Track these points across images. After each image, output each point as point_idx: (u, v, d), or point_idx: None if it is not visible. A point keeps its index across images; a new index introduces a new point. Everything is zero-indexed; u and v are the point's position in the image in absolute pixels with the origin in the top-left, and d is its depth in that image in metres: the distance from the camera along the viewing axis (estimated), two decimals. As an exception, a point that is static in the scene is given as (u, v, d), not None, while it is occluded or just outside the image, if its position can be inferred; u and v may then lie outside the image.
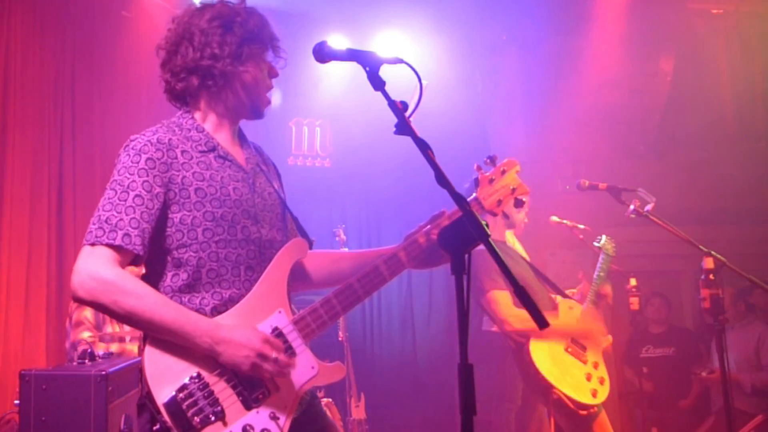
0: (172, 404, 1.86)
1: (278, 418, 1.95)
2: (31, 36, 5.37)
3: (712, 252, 3.48)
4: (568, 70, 6.71)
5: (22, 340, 5.08)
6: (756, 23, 6.85)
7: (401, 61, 1.87)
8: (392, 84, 1.81)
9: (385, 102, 1.78)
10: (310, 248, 2.21)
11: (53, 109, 5.50)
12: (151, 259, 2.02)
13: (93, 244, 1.89)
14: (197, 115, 2.14)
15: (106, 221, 1.90)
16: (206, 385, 1.90)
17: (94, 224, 1.92)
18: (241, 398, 1.94)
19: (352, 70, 1.92)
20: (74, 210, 5.56)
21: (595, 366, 3.69)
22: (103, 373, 3.73)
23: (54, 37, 5.53)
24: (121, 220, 1.90)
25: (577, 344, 3.69)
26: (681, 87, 6.95)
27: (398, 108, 1.78)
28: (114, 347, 4.83)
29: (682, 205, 5.96)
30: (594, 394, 3.57)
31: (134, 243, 1.91)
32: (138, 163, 1.96)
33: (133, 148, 1.99)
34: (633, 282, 4.97)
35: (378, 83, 1.82)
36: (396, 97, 1.79)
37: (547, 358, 3.49)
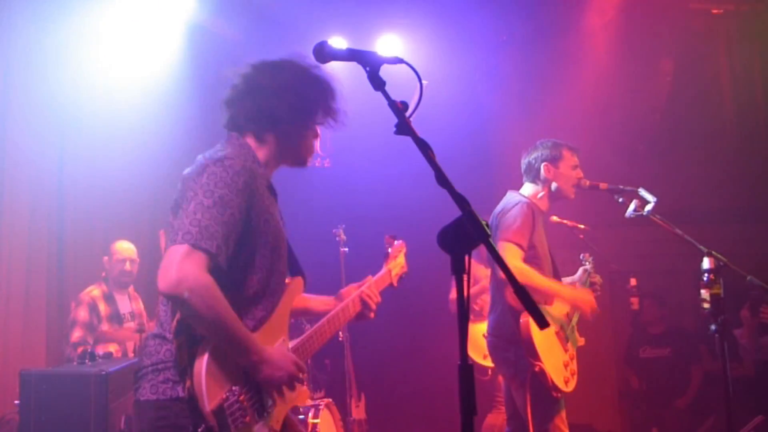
0: (219, 411, 2.04)
1: (275, 431, 2.26)
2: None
3: (713, 252, 3.48)
4: (567, 70, 6.72)
5: (22, 340, 5.07)
6: (756, 23, 6.85)
7: (401, 61, 1.87)
8: (392, 84, 1.81)
9: (386, 102, 1.78)
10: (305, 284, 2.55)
11: (54, 109, 5.49)
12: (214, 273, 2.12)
13: (194, 246, 2.02)
14: (254, 148, 2.34)
15: (205, 228, 2.05)
16: (240, 398, 2.12)
17: (193, 226, 2.05)
18: (256, 411, 2.18)
19: (353, 69, 1.92)
20: (75, 210, 5.56)
21: (572, 358, 3.85)
22: (103, 373, 3.73)
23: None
24: (216, 231, 2.06)
25: (563, 332, 3.83)
26: (681, 87, 6.95)
27: (398, 108, 1.77)
28: (112, 348, 4.84)
29: (682, 205, 5.96)
30: (566, 381, 3.71)
31: (223, 257, 2.09)
32: (236, 183, 2.14)
33: (231, 168, 2.15)
34: (633, 282, 4.97)
35: (378, 83, 1.82)
36: (396, 97, 1.79)
37: (540, 333, 3.61)
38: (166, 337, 2.17)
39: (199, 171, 2.16)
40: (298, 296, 2.52)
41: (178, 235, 2.04)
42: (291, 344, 2.42)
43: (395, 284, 2.94)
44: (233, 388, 2.10)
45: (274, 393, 2.25)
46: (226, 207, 2.09)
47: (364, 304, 2.70)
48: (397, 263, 2.97)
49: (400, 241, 3.05)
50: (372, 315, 2.73)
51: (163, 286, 2.00)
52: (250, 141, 2.34)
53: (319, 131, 2.45)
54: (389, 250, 3.00)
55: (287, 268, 2.44)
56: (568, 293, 3.84)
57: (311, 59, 2.32)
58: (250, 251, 2.21)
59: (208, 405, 2.01)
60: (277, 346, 2.29)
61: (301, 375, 2.27)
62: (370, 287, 2.76)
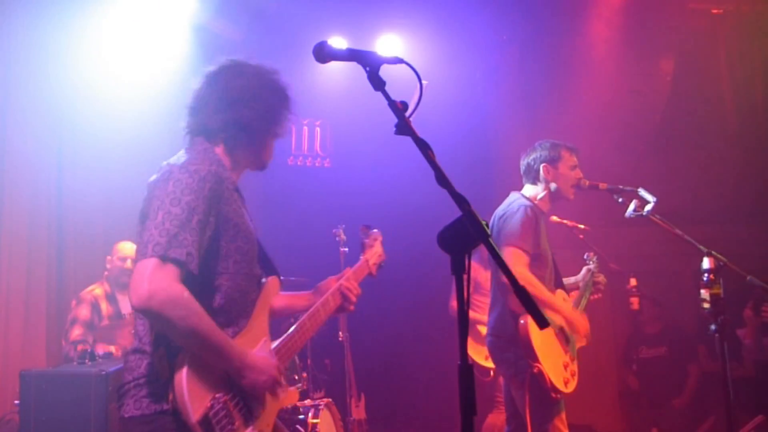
0: (204, 421, 2.03)
1: None
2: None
3: (713, 252, 3.48)
4: (568, 70, 6.72)
5: (22, 340, 5.07)
6: (756, 23, 6.85)
7: (401, 61, 1.87)
8: (392, 84, 1.81)
9: (386, 102, 1.78)
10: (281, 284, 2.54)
11: (54, 111, 5.49)
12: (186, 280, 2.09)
13: (163, 258, 2.00)
14: (220, 154, 2.32)
15: (174, 236, 2.03)
16: (225, 405, 2.10)
17: (162, 236, 2.02)
18: (244, 416, 2.17)
19: (353, 70, 1.92)
20: (74, 211, 5.55)
21: (572, 359, 3.82)
22: (103, 372, 3.73)
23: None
24: (185, 239, 2.04)
25: (563, 333, 3.80)
26: (681, 87, 6.95)
27: (398, 108, 1.77)
28: (113, 348, 4.83)
29: (682, 205, 5.96)
30: (566, 382, 3.70)
31: (194, 263, 2.05)
32: (203, 189, 2.12)
33: (197, 173, 2.13)
34: (633, 282, 4.97)
35: (378, 83, 1.82)
36: (396, 97, 1.79)
37: (539, 335, 3.59)
38: (145, 351, 2.14)
39: (165, 178, 2.14)
40: (276, 295, 2.50)
41: (147, 247, 2.01)
42: (274, 344, 2.40)
43: (374, 273, 2.92)
44: (217, 395, 2.08)
45: (261, 396, 2.24)
46: (193, 213, 2.07)
47: (343, 297, 2.68)
48: (374, 252, 2.96)
49: (376, 230, 3.04)
50: (351, 308, 2.71)
51: (135, 301, 1.97)
52: (217, 146, 2.33)
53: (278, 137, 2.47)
54: (365, 240, 2.99)
55: (261, 268, 2.42)
56: (567, 311, 3.82)
57: (270, 65, 2.40)
58: (223, 256, 2.19)
59: (193, 416, 2.00)
60: (258, 348, 2.28)
61: (283, 382, 2.29)
62: (349, 279, 2.73)
